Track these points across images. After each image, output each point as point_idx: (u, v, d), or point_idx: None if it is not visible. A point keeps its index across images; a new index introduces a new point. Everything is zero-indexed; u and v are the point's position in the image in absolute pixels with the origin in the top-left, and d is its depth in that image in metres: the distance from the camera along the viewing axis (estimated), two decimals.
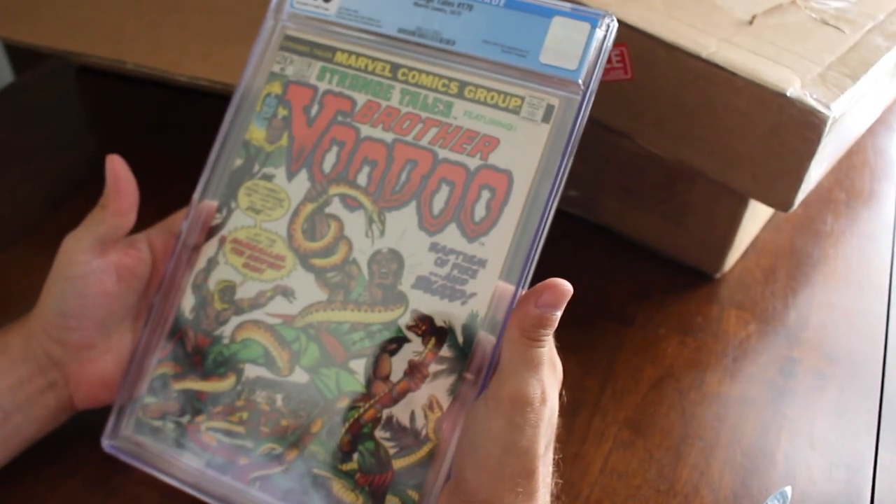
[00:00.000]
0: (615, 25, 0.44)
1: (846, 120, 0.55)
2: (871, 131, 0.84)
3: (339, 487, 0.45)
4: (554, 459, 0.43)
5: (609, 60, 0.58)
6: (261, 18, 0.70)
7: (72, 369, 0.49)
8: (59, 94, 0.90)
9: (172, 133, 0.82)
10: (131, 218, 0.49)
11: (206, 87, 0.68)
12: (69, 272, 0.47)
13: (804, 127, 0.52)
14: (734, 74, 0.54)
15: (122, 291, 0.49)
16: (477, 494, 0.39)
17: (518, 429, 0.38)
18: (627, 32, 0.57)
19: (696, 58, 0.55)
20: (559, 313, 0.39)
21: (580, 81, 0.44)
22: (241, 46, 0.66)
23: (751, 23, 0.59)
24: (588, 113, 0.44)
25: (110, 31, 0.69)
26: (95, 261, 0.47)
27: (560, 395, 0.43)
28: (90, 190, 0.74)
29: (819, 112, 0.52)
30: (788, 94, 0.52)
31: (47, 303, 0.48)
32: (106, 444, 0.49)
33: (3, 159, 0.79)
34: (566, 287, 0.39)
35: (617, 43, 0.57)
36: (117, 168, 0.48)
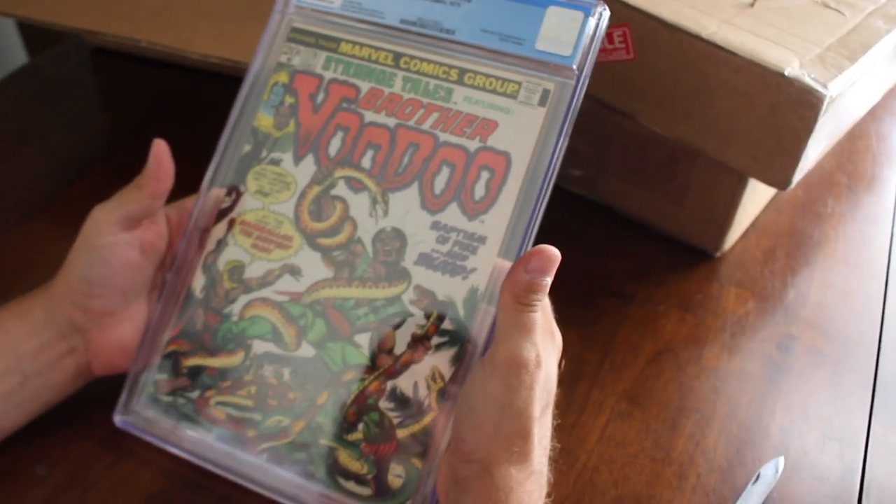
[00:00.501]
0: (607, 14, 0.47)
1: (844, 100, 0.56)
2: (875, 117, 0.85)
3: (344, 457, 0.47)
4: (553, 425, 0.44)
5: (611, 41, 0.59)
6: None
7: (92, 335, 0.50)
8: (73, 74, 0.92)
9: (183, 113, 0.83)
10: (162, 202, 0.51)
11: (217, 66, 0.69)
12: (97, 241, 0.49)
13: (802, 106, 0.53)
14: (734, 54, 0.55)
15: (143, 263, 0.51)
16: (474, 454, 0.40)
17: (513, 390, 0.40)
18: (630, 13, 0.58)
19: (697, 38, 0.56)
20: (549, 279, 0.41)
21: (574, 67, 0.46)
22: (252, 26, 0.67)
23: (752, 5, 0.60)
24: (582, 96, 0.46)
25: (125, 10, 0.71)
26: (122, 233, 0.49)
27: (559, 364, 0.45)
28: (104, 167, 0.76)
29: (816, 91, 0.53)
30: (786, 73, 0.53)
31: (73, 269, 0.49)
32: (118, 419, 0.51)
33: (20, 136, 0.81)
34: (553, 252, 0.41)
35: (619, 23, 0.58)
36: (161, 153, 0.51)
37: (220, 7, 0.71)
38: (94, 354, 0.51)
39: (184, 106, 0.85)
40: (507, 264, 0.44)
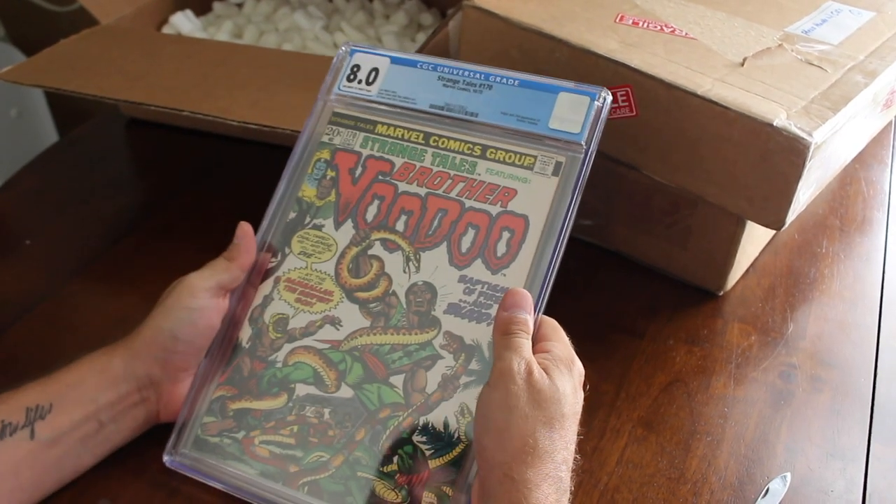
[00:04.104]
0: (609, 97, 0.55)
1: (829, 147, 0.62)
2: (864, 164, 0.90)
3: (380, 488, 0.51)
4: (576, 440, 0.49)
5: (616, 100, 0.65)
6: (298, 71, 0.78)
7: (165, 388, 0.56)
8: (110, 144, 0.98)
9: (215, 178, 0.89)
10: (245, 274, 0.57)
11: (253, 132, 0.75)
12: (191, 303, 0.55)
13: (790, 153, 0.59)
14: (727, 109, 0.60)
15: (218, 327, 0.57)
16: (494, 458, 0.46)
17: (513, 394, 0.46)
18: (632, 75, 0.64)
19: (693, 95, 0.61)
20: (523, 313, 0.50)
21: (583, 142, 0.54)
22: (283, 94, 0.74)
23: (742, 64, 0.66)
24: (590, 167, 0.54)
25: (167, 83, 0.77)
26: (211, 299, 0.55)
27: (584, 386, 0.50)
28: (144, 228, 0.81)
29: (803, 139, 0.58)
30: (775, 124, 0.59)
31: (161, 326, 0.55)
32: (167, 459, 0.55)
33: (64, 202, 0.87)
34: (521, 292, 0.51)
35: (623, 84, 0.64)
36: (248, 232, 0.58)
37: (252, 78, 0.78)
38: (164, 405, 0.56)
39: (215, 171, 0.90)
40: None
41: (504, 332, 0.49)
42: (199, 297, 0.55)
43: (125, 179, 0.93)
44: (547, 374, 0.47)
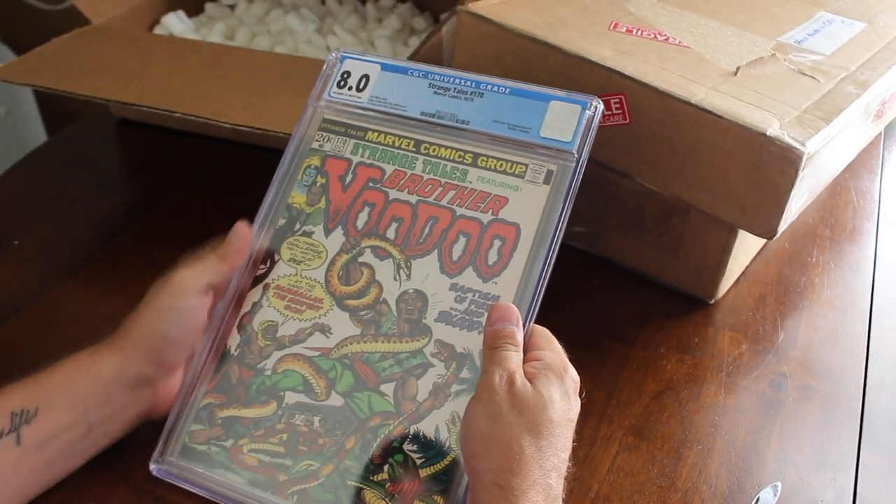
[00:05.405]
0: (601, 106, 0.55)
1: (821, 157, 0.62)
2: (854, 174, 0.91)
3: (371, 497, 0.51)
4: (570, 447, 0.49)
5: (609, 108, 0.65)
6: (291, 74, 0.77)
7: (160, 385, 0.55)
8: (100, 144, 0.97)
9: (205, 179, 0.89)
10: (234, 274, 0.57)
11: (244, 134, 0.75)
12: (181, 303, 0.54)
13: (783, 162, 0.59)
14: (720, 117, 0.60)
15: (206, 325, 0.56)
16: (481, 465, 0.46)
17: (496, 404, 0.47)
18: (626, 82, 0.64)
19: (687, 103, 0.62)
20: (510, 326, 0.50)
21: (574, 151, 0.54)
22: (277, 96, 0.74)
23: (735, 73, 0.66)
24: (581, 175, 0.54)
25: (159, 84, 0.76)
26: (202, 298, 0.55)
27: (580, 393, 0.50)
28: (135, 229, 0.81)
29: (796, 149, 0.58)
30: (768, 133, 0.59)
31: (150, 328, 0.54)
32: (153, 468, 0.55)
33: (53, 202, 0.86)
34: (506, 305, 0.51)
35: (616, 92, 0.64)
36: (244, 231, 0.57)
37: (245, 81, 0.77)
38: (159, 402, 0.56)
39: (206, 173, 0.90)
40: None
41: (490, 346, 0.49)
42: (190, 298, 0.54)
43: (115, 180, 0.92)
44: (532, 381, 0.48)
